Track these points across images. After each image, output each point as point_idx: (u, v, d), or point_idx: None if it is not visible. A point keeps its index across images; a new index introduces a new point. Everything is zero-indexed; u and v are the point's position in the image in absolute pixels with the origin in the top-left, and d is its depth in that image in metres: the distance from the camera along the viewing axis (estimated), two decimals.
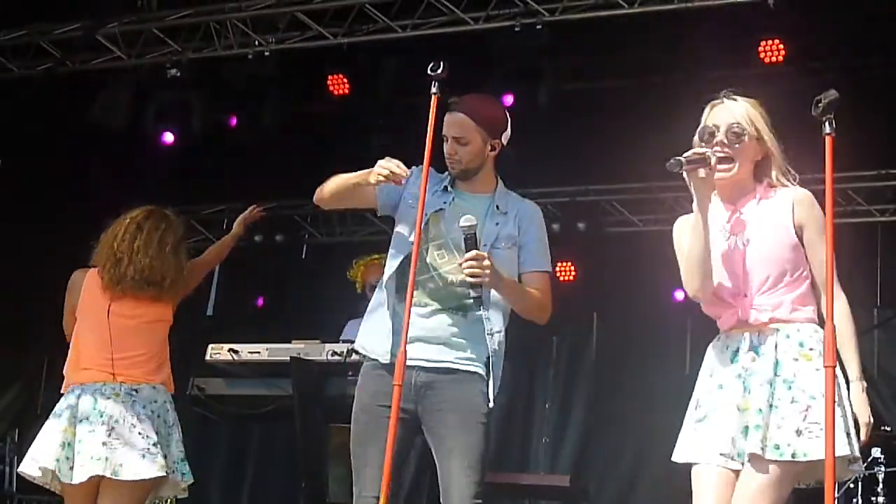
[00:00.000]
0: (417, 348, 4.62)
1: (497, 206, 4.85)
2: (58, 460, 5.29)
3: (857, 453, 3.95)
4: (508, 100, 8.97)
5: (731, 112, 4.12)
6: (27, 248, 9.98)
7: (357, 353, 4.93)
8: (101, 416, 5.35)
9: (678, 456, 4.09)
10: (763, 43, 8.74)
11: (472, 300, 4.58)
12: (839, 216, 9.28)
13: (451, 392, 4.66)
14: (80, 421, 5.36)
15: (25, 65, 9.99)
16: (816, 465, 3.83)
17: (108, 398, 5.40)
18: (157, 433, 5.45)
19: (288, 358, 6.22)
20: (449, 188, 4.87)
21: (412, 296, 4.41)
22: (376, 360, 4.71)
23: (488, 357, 4.71)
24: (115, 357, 5.48)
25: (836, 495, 7.68)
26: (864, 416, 3.98)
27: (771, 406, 3.89)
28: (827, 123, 3.81)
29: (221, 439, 11.46)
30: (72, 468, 5.28)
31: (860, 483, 7.80)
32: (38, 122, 9.92)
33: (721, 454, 3.91)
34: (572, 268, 10.46)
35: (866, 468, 7.76)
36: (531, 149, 9.97)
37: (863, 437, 3.97)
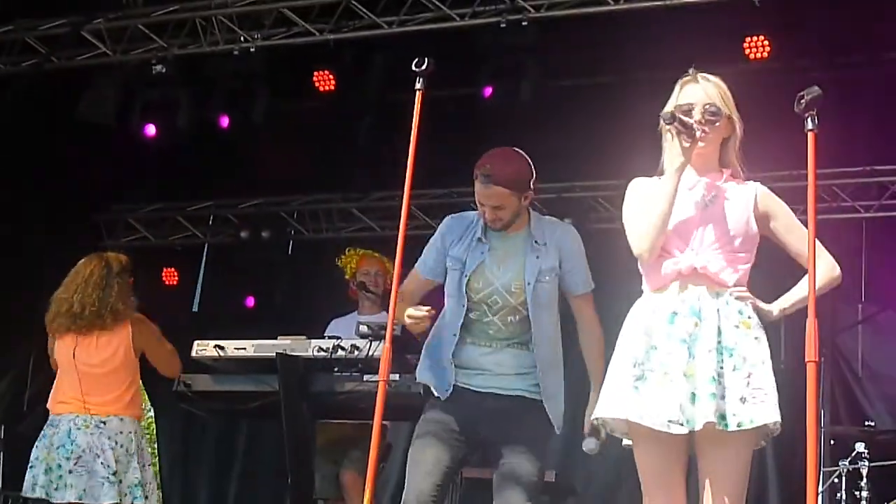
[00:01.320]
0: (486, 378, 4.95)
1: (535, 241, 5.03)
2: (44, 486, 6.11)
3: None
4: (496, 99, 8.97)
5: (706, 91, 4.15)
6: (12, 245, 9.97)
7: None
8: (72, 445, 6.12)
9: (613, 411, 3.99)
10: (748, 39, 8.76)
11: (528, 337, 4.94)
12: (824, 212, 9.31)
13: (522, 418, 4.88)
14: (57, 448, 6.13)
15: (11, 61, 9.98)
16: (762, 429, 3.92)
17: (80, 429, 6.16)
18: (117, 461, 6.13)
19: (274, 354, 6.21)
20: (483, 238, 5.07)
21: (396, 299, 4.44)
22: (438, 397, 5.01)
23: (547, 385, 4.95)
24: (86, 399, 6.21)
25: (820, 490, 7.73)
26: (765, 306, 4.11)
27: (719, 374, 3.91)
28: (809, 120, 3.85)
29: (208, 435, 11.48)
30: (56, 489, 6.09)
31: (844, 478, 7.83)
32: (24, 118, 9.91)
33: (669, 420, 3.86)
34: None
35: (850, 463, 7.80)
36: (517, 145, 10.02)
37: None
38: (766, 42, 8.75)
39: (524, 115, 9.16)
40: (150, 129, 9.86)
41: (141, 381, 6.52)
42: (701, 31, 8.46)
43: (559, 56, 9.50)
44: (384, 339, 4.60)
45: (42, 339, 6.52)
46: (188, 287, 12.05)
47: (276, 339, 6.41)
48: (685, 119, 4.02)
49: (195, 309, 12.01)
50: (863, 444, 7.83)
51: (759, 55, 8.77)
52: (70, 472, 6.06)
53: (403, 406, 5.71)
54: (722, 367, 3.91)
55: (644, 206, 4.11)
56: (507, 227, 5.04)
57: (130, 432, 6.23)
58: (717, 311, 3.99)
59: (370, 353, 6.08)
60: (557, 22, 8.85)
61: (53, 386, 6.36)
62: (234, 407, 6.55)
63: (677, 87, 4.20)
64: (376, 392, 4.36)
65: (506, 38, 8.90)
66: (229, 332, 6.68)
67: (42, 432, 6.24)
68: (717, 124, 4.11)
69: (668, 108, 4.13)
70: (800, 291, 4.13)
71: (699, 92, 4.14)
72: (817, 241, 3.97)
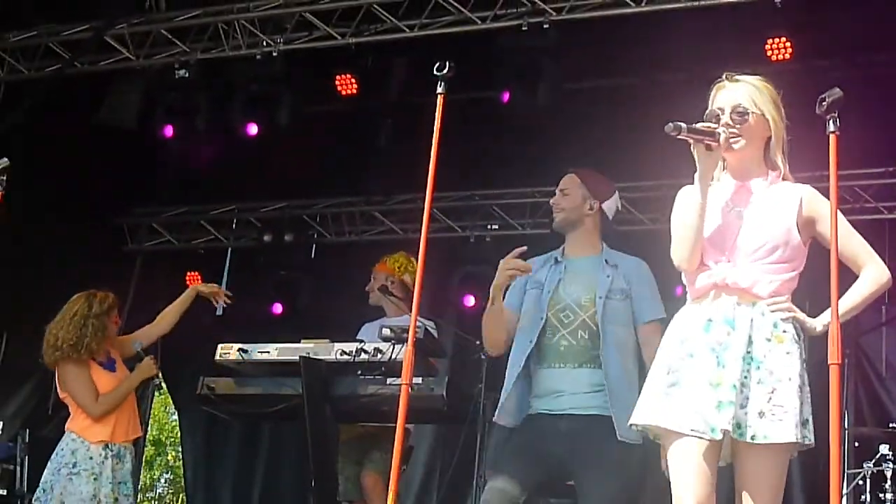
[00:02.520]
0: (561, 400, 5.10)
1: (606, 261, 5.27)
2: None
3: (809, 441, 3.93)
4: (518, 102, 8.97)
5: (734, 93, 4.16)
6: (37, 249, 10.01)
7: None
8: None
9: (645, 418, 4.03)
10: (770, 41, 8.73)
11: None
12: (847, 214, 9.23)
13: (595, 436, 5.00)
14: (119, 483, 6.69)
15: (35, 66, 10.03)
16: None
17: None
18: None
19: (297, 357, 6.22)
20: (559, 258, 5.33)
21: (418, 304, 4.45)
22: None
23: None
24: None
25: (845, 492, 7.70)
26: (809, 321, 4.05)
27: (742, 384, 3.89)
28: (831, 122, 3.85)
29: (232, 439, 11.50)
30: None
31: (868, 480, 7.80)
32: (48, 122, 9.96)
33: (692, 430, 3.87)
34: None
35: (874, 465, 7.77)
36: (537, 147, 10.03)
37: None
38: (787, 43, 8.73)
39: (545, 118, 9.17)
40: (173, 134, 9.89)
41: (150, 395, 6.96)
42: (722, 33, 8.45)
43: (579, 58, 9.50)
44: (407, 342, 4.61)
45: None
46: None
47: (299, 342, 6.43)
48: (698, 126, 4.00)
49: (219, 313, 12.03)
50: (887, 446, 7.80)
51: (780, 56, 8.74)
52: None
53: (426, 409, 5.72)
54: (747, 377, 3.90)
55: (681, 216, 4.12)
56: (565, 222, 5.36)
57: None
58: (751, 320, 3.98)
59: (393, 357, 6.09)
60: (579, 24, 8.84)
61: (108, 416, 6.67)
62: (258, 410, 6.57)
63: (713, 92, 4.23)
64: (399, 395, 4.37)
65: (527, 41, 8.90)
66: (253, 336, 6.70)
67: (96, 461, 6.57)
68: (746, 124, 4.09)
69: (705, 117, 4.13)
70: (848, 302, 4.09)
71: (728, 94, 4.17)
72: (868, 245, 4.07)
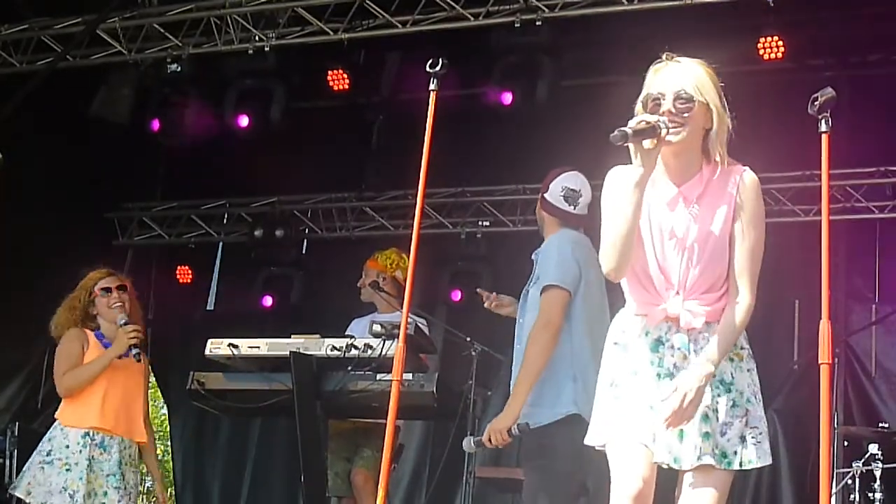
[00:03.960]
0: None
1: (535, 253, 5.48)
2: None
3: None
4: (510, 98, 8.97)
5: (677, 77, 3.78)
6: (28, 242, 9.99)
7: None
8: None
9: (594, 439, 3.86)
10: (762, 40, 8.73)
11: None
12: (837, 213, 9.31)
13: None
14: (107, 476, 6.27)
15: (27, 59, 10.00)
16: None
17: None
18: None
19: (287, 353, 6.22)
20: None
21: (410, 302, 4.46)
22: None
23: None
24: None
25: (833, 491, 7.71)
26: (685, 387, 3.62)
27: (715, 410, 3.70)
28: (823, 121, 3.84)
29: (221, 433, 11.49)
30: None
31: (857, 479, 7.81)
32: (40, 116, 9.94)
33: (643, 443, 3.68)
34: None
35: (863, 464, 7.77)
36: (531, 144, 10.02)
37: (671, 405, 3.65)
38: (780, 43, 8.73)
39: (537, 115, 9.16)
40: (164, 128, 9.87)
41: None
42: (715, 32, 8.45)
43: (573, 55, 9.50)
44: (397, 338, 4.60)
45: (57, 338, 6.54)
46: (202, 285, 12.06)
47: (289, 337, 6.43)
48: (641, 124, 3.64)
49: (210, 307, 12.02)
50: (876, 446, 7.79)
51: (773, 56, 8.74)
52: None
53: (416, 405, 5.73)
54: (716, 402, 3.71)
55: (613, 221, 3.75)
56: (541, 230, 5.55)
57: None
58: (708, 340, 3.73)
59: (383, 353, 6.09)
60: (571, 21, 8.84)
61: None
62: (248, 405, 6.57)
63: (650, 73, 3.86)
64: (389, 391, 4.36)
65: (520, 38, 8.90)
66: (243, 331, 6.71)
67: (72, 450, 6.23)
68: (690, 113, 3.73)
69: (641, 97, 3.82)
70: (724, 343, 3.73)
71: (670, 78, 3.79)
72: (747, 275, 3.75)
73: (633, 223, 3.70)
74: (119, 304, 6.34)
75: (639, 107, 3.82)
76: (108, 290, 6.41)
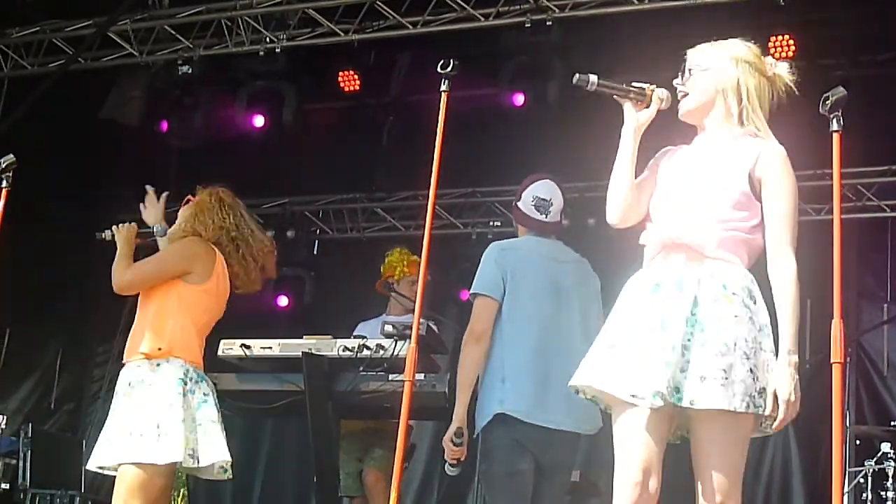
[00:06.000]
0: None
1: None
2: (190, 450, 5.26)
3: (764, 411, 3.66)
4: (521, 99, 8.97)
5: (690, 53, 4.11)
6: (41, 244, 10.02)
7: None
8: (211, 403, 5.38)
9: (582, 379, 3.81)
10: (773, 39, 8.74)
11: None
12: (849, 212, 9.30)
13: None
14: (199, 406, 5.31)
15: (38, 62, 10.04)
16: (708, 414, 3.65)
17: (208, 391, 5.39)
18: None
19: (300, 353, 6.23)
20: None
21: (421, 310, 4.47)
22: None
23: None
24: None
25: (846, 490, 7.71)
26: (784, 391, 3.65)
27: (684, 346, 3.66)
28: (835, 120, 3.84)
29: (234, 434, 11.44)
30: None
31: (869, 478, 7.80)
32: (52, 118, 9.97)
33: (632, 395, 3.63)
34: None
35: (875, 463, 7.77)
36: (541, 144, 10.03)
37: (772, 412, 3.66)
38: (791, 42, 8.73)
39: (548, 115, 9.18)
40: (176, 130, 9.90)
41: None
42: (726, 31, 8.42)
43: (583, 55, 9.50)
44: (409, 338, 4.61)
45: (68, 339, 6.49)
46: None
47: (301, 338, 6.44)
48: (619, 85, 4.03)
49: None
50: (888, 445, 7.79)
51: (784, 55, 8.75)
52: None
53: (428, 406, 5.74)
54: (689, 340, 3.67)
55: (613, 173, 4.05)
56: None
57: None
58: (699, 280, 3.75)
59: (395, 353, 6.10)
60: (581, 21, 8.85)
61: (182, 324, 5.38)
62: (260, 406, 6.58)
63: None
64: (401, 392, 4.37)
65: (530, 38, 8.91)
66: (256, 332, 6.71)
67: (170, 380, 5.20)
68: (689, 79, 4.04)
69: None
70: (790, 314, 3.77)
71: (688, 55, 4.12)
72: (785, 243, 3.82)
73: (629, 168, 3.99)
74: None
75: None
76: None
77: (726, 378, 3.59)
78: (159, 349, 5.21)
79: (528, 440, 5.16)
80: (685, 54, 4.11)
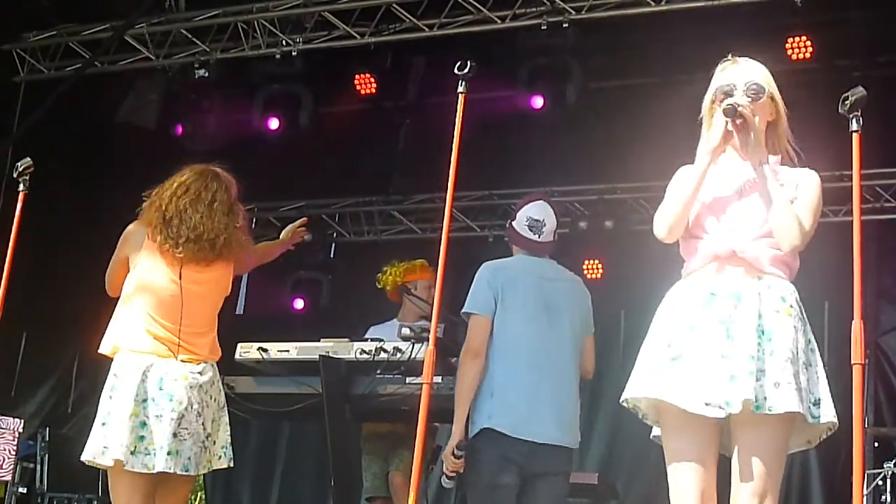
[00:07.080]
0: None
1: None
2: (131, 449, 4.89)
3: (826, 420, 3.76)
4: (538, 101, 8.96)
5: (747, 71, 4.05)
6: (58, 247, 10.04)
7: None
8: (171, 402, 4.94)
9: (645, 390, 3.82)
10: (790, 40, 8.72)
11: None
12: (867, 213, 9.26)
13: None
14: (146, 402, 4.93)
15: (55, 66, 10.07)
16: (796, 424, 3.73)
17: (176, 380, 5.00)
18: (212, 421, 5.17)
19: (317, 356, 6.23)
20: None
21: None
22: None
23: None
24: (183, 327, 5.19)
25: (865, 492, 7.68)
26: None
27: (757, 357, 3.70)
28: (854, 120, 3.82)
29: (251, 437, 11.51)
30: (146, 454, 4.88)
31: (888, 480, 7.78)
32: (68, 121, 9.99)
33: (706, 403, 3.67)
34: (600, 266, 10.42)
35: (894, 465, 7.75)
36: (558, 147, 10.03)
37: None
38: (808, 42, 8.71)
39: (565, 117, 9.16)
40: (191, 133, 9.91)
41: None
42: (743, 32, 8.43)
43: (600, 58, 9.50)
44: (426, 341, 4.61)
45: (86, 343, 6.45)
46: (231, 289, 12.08)
47: (318, 341, 6.44)
48: (742, 110, 3.89)
49: (239, 311, 12.05)
50: None
51: (801, 56, 8.73)
52: (174, 435, 4.89)
53: (446, 408, 5.72)
54: (761, 350, 3.72)
55: (678, 187, 3.99)
56: None
57: (217, 381, 5.29)
58: (759, 294, 3.80)
59: (412, 356, 6.10)
60: (598, 23, 8.84)
61: (127, 312, 5.17)
62: (277, 409, 6.57)
63: (717, 72, 4.09)
64: (418, 394, 4.37)
65: (547, 40, 8.90)
66: (273, 335, 6.71)
67: (115, 379, 4.99)
68: (761, 101, 3.97)
69: (710, 92, 4.03)
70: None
71: (740, 71, 4.05)
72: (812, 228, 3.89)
73: (695, 188, 3.93)
74: None
75: (707, 102, 4.04)
76: None
77: (798, 385, 3.69)
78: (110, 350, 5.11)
79: (515, 452, 5.28)
80: (729, 58, 4.11)
